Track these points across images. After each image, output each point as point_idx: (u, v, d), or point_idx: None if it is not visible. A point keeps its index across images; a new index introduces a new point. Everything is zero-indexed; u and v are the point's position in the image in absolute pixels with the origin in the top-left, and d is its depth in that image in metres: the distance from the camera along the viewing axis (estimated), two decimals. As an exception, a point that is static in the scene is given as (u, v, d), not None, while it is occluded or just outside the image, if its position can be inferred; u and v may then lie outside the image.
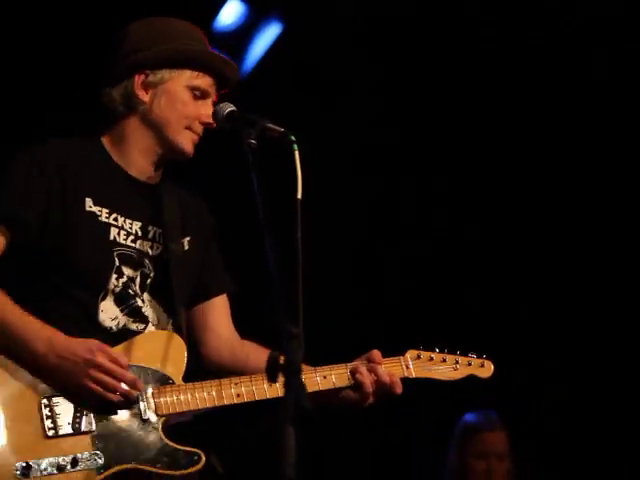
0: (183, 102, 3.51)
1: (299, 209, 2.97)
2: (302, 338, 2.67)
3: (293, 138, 3.17)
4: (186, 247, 3.60)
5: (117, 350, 3.32)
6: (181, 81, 3.52)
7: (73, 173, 3.43)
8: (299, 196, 3.02)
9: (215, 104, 3.55)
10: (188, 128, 3.52)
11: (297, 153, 3.13)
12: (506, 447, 5.39)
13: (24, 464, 3.12)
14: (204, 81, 3.54)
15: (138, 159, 3.54)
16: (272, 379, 2.66)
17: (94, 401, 3.23)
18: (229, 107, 3.44)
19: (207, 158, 3.66)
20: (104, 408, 3.24)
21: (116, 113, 3.55)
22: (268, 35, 5.97)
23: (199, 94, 3.53)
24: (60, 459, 3.16)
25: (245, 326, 3.77)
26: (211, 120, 3.51)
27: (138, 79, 3.51)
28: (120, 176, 3.52)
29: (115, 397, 3.23)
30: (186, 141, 3.52)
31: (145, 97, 3.52)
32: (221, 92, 3.62)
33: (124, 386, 3.23)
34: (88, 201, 3.42)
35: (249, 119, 3.31)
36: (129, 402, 3.25)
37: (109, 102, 3.55)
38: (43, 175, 3.38)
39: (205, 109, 3.53)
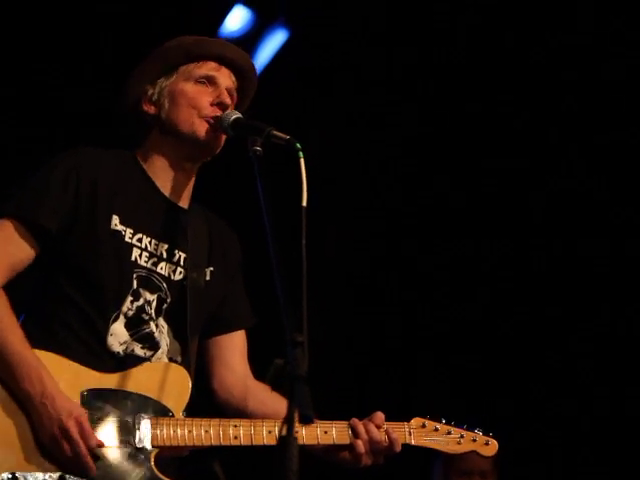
0: (184, 94, 3.47)
1: (304, 217, 2.96)
2: (307, 346, 2.66)
3: (299, 145, 3.16)
4: (208, 277, 3.55)
5: (124, 376, 3.29)
6: (179, 79, 3.50)
7: (107, 187, 3.39)
8: (304, 204, 3.00)
9: (238, 90, 3.54)
10: (202, 117, 3.45)
11: (302, 160, 3.10)
12: (490, 465, 5.35)
13: (10, 475, 3.09)
14: (204, 68, 3.50)
15: (168, 173, 3.50)
16: (275, 386, 2.65)
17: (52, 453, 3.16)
18: (235, 114, 3.42)
19: (213, 165, 3.64)
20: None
21: (140, 137, 3.54)
22: (274, 41, 5.98)
23: (204, 82, 3.49)
24: (47, 476, 3.12)
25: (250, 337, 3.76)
26: (222, 99, 3.46)
27: (144, 98, 3.52)
28: (153, 195, 3.49)
29: (66, 463, 3.14)
30: (197, 128, 3.44)
31: (152, 109, 3.50)
32: (244, 79, 3.57)
33: (79, 462, 3.13)
34: (114, 219, 3.38)
35: (255, 126, 3.29)
36: (78, 473, 3.15)
37: (131, 130, 3.55)
38: (76, 185, 3.35)
39: (214, 92, 3.48)
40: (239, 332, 3.69)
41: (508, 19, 5.96)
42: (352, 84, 6.20)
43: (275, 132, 3.26)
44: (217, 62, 3.52)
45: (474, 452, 3.69)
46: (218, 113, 3.45)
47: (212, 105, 3.47)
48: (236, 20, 5.88)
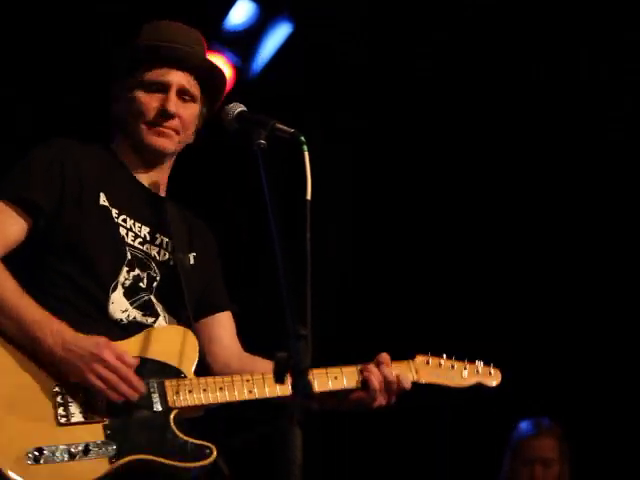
0: (133, 100, 3.52)
1: (309, 210, 2.97)
2: (310, 339, 2.67)
3: (303, 139, 3.17)
4: (192, 262, 3.63)
5: (131, 342, 3.35)
6: (134, 82, 3.54)
7: (90, 169, 3.47)
8: (308, 197, 3.02)
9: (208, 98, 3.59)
10: (148, 123, 3.51)
11: (307, 154, 3.13)
12: (554, 454, 5.35)
13: (35, 449, 3.12)
14: (153, 74, 3.52)
15: (141, 166, 3.58)
16: (279, 380, 2.66)
17: (96, 394, 3.22)
18: (239, 107, 3.41)
19: (217, 158, 3.65)
20: (105, 402, 3.23)
21: (113, 131, 3.63)
22: (278, 35, 5.97)
23: (155, 88, 3.52)
24: (72, 446, 3.16)
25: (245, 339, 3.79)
26: (167, 108, 3.49)
27: (112, 94, 3.59)
28: (132, 183, 3.57)
29: (115, 395, 3.22)
30: (144, 135, 3.51)
31: (115, 108, 3.59)
32: (209, 85, 3.59)
33: (125, 386, 3.22)
34: (102, 196, 3.46)
35: (259, 119, 3.30)
36: (129, 401, 3.24)
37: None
38: (62, 164, 3.42)
39: (163, 100, 3.51)
40: (225, 313, 3.74)
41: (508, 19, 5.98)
42: (356, 78, 6.20)
43: (279, 125, 3.27)
44: (167, 65, 3.53)
45: (480, 385, 3.70)
46: (164, 121, 3.50)
47: (158, 112, 3.51)
48: (240, 13, 5.88)
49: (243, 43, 5.90)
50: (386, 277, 6.61)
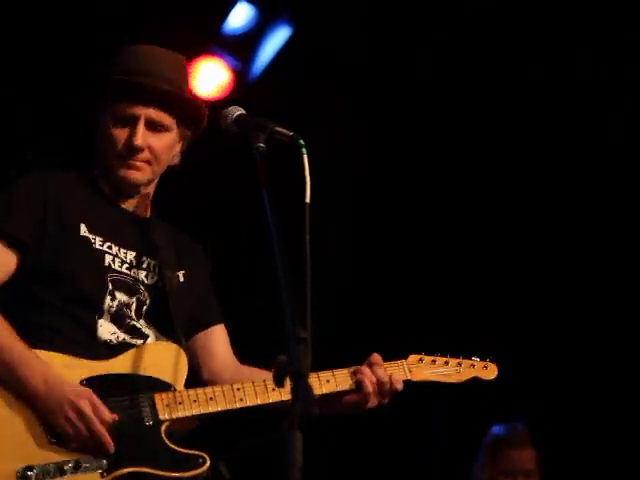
0: (105, 133, 3.53)
1: (308, 213, 2.97)
2: (310, 342, 2.67)
3: (302, 142, 3.17)
4: (181, 279, 3.64)
5: (120, 360, 3.36)
6: (108, 115, 3.54)
7: (71, 200, 3.50)
8: (307, 200, 3.01)
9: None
10: (118, 157, 3.52)
11: (306, 157, 3.12)
12: (534, 464, 5.35)
13: (25, 468, 3.14)
14: (123, 106, 3.52)
15: (122, 193, 3.59)
16: (279, 384, 2.66)
17: (68, 439, 3.22)
18: (238, 111, 3.41)
19: (216, 161, 3.65)
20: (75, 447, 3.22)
21: (95, 157, 3.63)
22: (278, 38, 5.98)
23: (125, 121, 3.52)
24: (62, 463, 3.17)
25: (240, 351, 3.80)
26: (135, 143, 3.49)
27: (94, 122, 3.59)
28: (113, 209, 3.59)
29: (83, 445, 3.20)
30: (120, 170, 3.53)
31: (95, 138, 3.58)
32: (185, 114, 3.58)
33: (94, 440, 3.20)
34: (82, 227, 3.48)
35: (258, 123, 3.30)
36: (97, 453, 3.22)
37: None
38: (42, 197, 3.45)
39: (130, 134, 3.50)
40: (219, 326, 3.75)
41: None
42: (356, 81, 6.20)
43: (278, 128, 3.27)
44: (134, 98, 3.51)
45: (476, 378, 3.71)
46: (132, 154, 3.50)
47: (126, 146, 3.51)
48: (240, 17, 5.88)
49: (242, 46, 5.91)
50: (386, 277, 6.62)
